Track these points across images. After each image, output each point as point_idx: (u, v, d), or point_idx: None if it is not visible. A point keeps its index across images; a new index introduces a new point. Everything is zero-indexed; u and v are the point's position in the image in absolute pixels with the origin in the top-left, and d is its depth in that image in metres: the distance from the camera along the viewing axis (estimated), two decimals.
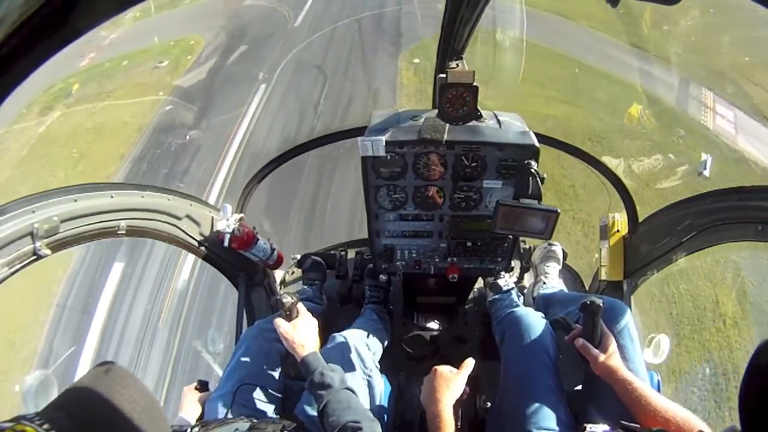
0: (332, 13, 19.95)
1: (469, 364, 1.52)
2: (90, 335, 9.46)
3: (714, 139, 11.76)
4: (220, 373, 1.89)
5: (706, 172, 10.56)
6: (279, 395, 1.80)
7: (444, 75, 1.59)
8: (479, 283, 2.77)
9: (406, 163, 1.75)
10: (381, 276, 2.20)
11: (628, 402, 1.43)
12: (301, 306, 1.70)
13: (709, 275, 8.92)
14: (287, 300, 1.65)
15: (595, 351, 1.52)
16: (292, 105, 14.89)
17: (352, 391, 1.51)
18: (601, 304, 1.48)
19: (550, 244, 2.69)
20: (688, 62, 13.80)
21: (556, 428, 1.51)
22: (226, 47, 18.03)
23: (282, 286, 2.98)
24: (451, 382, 1.44)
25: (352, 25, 18.96)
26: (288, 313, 1.67)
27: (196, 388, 1.86)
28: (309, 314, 1.71)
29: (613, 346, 1.52)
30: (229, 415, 1.62)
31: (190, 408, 1.75)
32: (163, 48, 18.26)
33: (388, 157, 1.73)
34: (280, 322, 1.64)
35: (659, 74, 13.64)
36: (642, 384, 1.44)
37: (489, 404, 1.85)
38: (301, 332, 1.63)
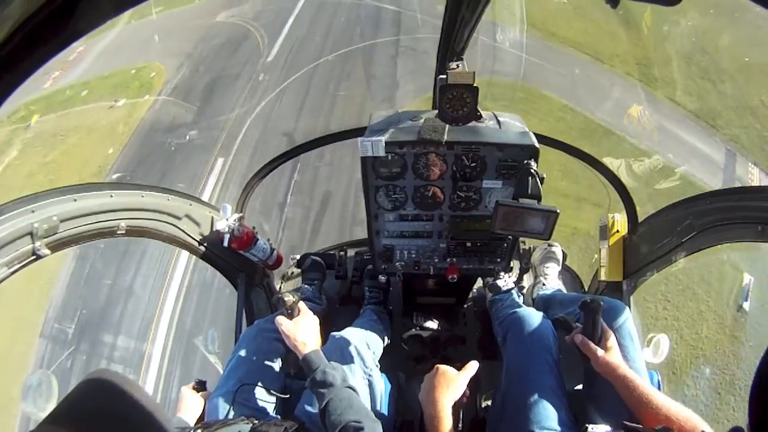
0: (314, 44, 16.79)
1: (473, 366, 1.51)
2: None
3: (762, 245, 10.19)
4: (221, 371, 1.89)
5: (747, 305, 8.34)
6: (279, 395, 1.80)
7: (444, 76, 1.60)
8: (478, 283, 2.77)
9: (405, 163, 1.75)
10: (380, 276, 2.20)
11: (629, 400, 1.43)
12: (302, 304, 1.71)
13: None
14: (289, 298, 1.66)
15: (596, 348, 1.52)
16: (252, 202, 12.25)
17: (354, 390, 1.51)
18: (602, 303, 1.48)
19: (549, 245, 2.70)
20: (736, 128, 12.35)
21: (558, 428, 1.50)
22: (186, 89, 15.98)
23: (281, 286, 2.98)
24: (451, 383, 1.44)
25: (337, 65, 15.69)
26: (290, 311, 1.68)
27: (194, 388, 1.85)
28: (310, 312, 1.72)
29: (614, 344, 1.53)
30: (230, 415, 1.62)
31: (188, 408, 1.75)
32: (123, 77, 16.70)
33: (389, 158, 1.73)
34: (282, 320, 1.64)
35: (703, 147, 12.12)
36: (643, 382, 1.44)
37: (489, 404, 1.85)
38: (303, 330, 1.63)
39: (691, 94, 13.33)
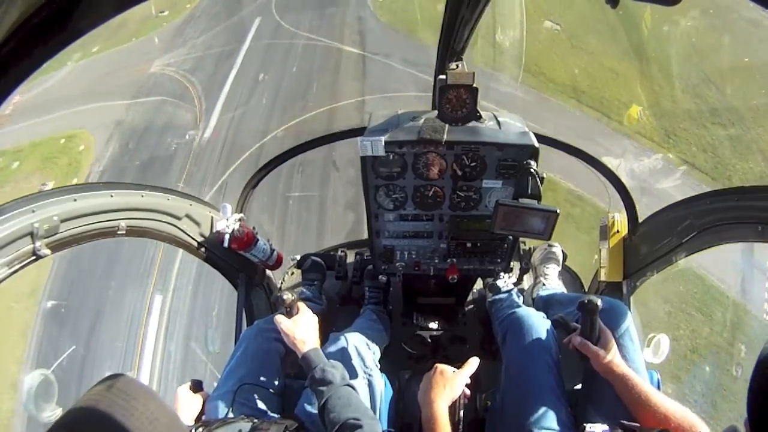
0: (260, 110, 13.97)
1: (473, 363, 1.51)
2: None
3: None
4: (218, 373, 1.89)
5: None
6: (279, 395, 1.80)
7: (444, 76, 1.59)
8: (478, 284, 2.77)
9: (405, 163, 1.76)
10: (380, 277, 2.20)
11: (627, 399, 1.43)
12: (301, 303, 1.70)
13: None
14: (288, 296, 1.66)
15: (595, 348, 1.52)
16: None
17: (353, 388, 1.51)
18: (599, 303, 1.48)
19: (549, 245, 2.69)
20: None
21: (557, 428, 1.50)
22: (115, 174, 14.13)
23: (281, 287, 2.98)
24: (449, 382, 1.44)
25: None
26: (288, 309, 1.68)
27: (190, 389, 1.85)
28: (309, 311, 1.71)
29: (612, 343, 1.52)
30: (230, 415, 1.62)
31: (185, 409, 1.75)
32: (52, 147, 15.11)
33: (389, 157, 1.73)
34: (280, 319, 1.64)
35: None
36: (641, 381, 1.44)
37: (489, 404, 1.85)
38: (302, 328, 1.63)
39: (705, 149, 12.22)
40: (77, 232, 1.56)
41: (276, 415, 1.74)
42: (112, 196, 1.68)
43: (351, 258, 2.88)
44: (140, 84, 16.87)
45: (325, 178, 12.34)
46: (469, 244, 1.98)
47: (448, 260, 2.04)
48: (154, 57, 17.73)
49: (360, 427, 1.31)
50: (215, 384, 1.85)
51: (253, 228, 2.29)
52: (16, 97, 15.19)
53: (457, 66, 1.81)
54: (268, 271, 2.67)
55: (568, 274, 2.88)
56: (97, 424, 0.74)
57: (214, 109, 14.87)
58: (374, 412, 1.75)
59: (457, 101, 1.61)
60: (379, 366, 1.96)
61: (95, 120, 15.61)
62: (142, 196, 1.82)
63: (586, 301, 1.48)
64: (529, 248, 2.78)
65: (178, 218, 2.00)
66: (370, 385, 1.82)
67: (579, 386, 1.88)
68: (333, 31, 16.96)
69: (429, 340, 2.57)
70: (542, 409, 1.54)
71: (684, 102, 13.18)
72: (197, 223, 2.10)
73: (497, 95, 13.01)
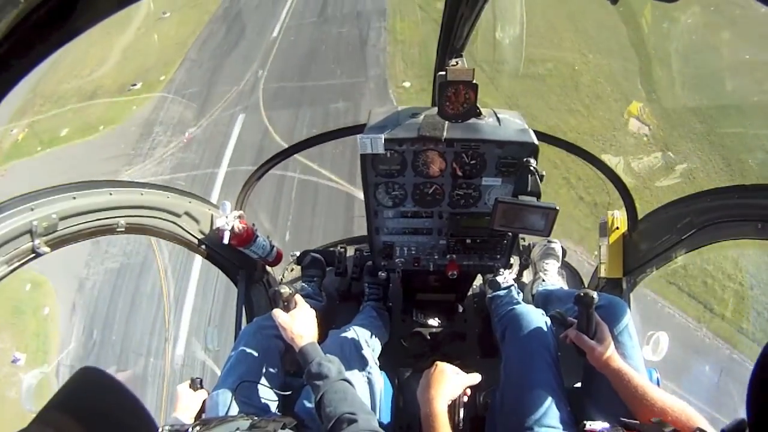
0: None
1: (475, 377, 1.52)
2: None
3: None
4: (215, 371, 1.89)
5: None
6: (279, 392, 1.81)
7: (443, 73, 1.59)
8: (478, 280, 2.77)
9: (405, 160, 1.75)
10: (380, 273, 2.20)
11: (624, 393, 1.43)
12: (298, 297, 1.70)
13: None
14: (285, 291, 1.66)
15: (591, 341, 1.51)
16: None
17: (350, 383, 1.51)
18: (595, 296, 1.47)
19: (549, 242, 2.69)
20: None
21: (557, 426, 1.51)
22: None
23: (281, 283, 2.98)
24: (449, 380, 1.44)
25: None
26: (286, 303, 1.68)
27: (189, 387, 1.86)
28: (307, 305, 1.71)
29: (608, 338, 1.52)
30: (230, 412, 1.63)
31: (185, 407, 1.75)
32: (18, 298, 12.83)
33: (388, 155, 1.73)
34: (278, 313, 1.64)
35: None
36: (638, 375, 1.44)
37: (489, 401, 1.86)
38: (299, 323, 1.63)
39: None
40: (76, 230, 1.56)
41: (276, 413, 1.75)
42: (111, 194, 1.67)
43: (351, 254, 2.88)
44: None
45: None
46: (468, 241, 1.98)
47: (448, 256, 2.04)
48: (116, 169, 15.14)
49: (355, 421, 1.31)
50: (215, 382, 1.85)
51: (253, 225, 2.29)
52: None
53: (457, 63, 1.80)
54: (268, 268, 2.67)
55: (568, 270, 2.89)
56: (66, 413, 0.80)
57: (183, 306, 11.61)
58: (374, 409, 1.76)
59: (456, 98, 1.60)
60: (378, 363, 1.97)
61: (56, 269, 12.96)
62: (142, 194, 1.82)
63: (582, 294, 1.48)
64: (529, 244, 2.79)
65: (178, 215, 2.00)
66: (369, 382, 1.83)
67: (579, 384, 1.89)
68: (341, 153, 12.33)
69: (428, 337, 2.58)
70: (542, 407, 1.54)
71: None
72: (197, 221, 2.10)
73: None
